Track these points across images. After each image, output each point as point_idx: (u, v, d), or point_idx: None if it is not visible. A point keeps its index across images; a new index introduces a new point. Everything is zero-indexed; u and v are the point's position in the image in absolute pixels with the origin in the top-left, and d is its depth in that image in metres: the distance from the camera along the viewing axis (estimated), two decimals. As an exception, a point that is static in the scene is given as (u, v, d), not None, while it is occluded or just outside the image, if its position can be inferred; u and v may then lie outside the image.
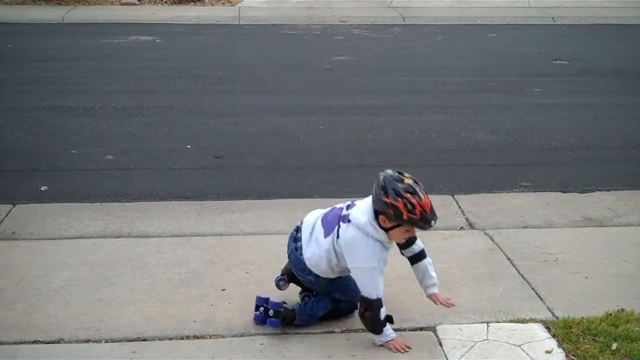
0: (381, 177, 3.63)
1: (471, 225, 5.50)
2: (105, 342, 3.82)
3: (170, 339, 3.85)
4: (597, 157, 7.15)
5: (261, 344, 3.78)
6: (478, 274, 4.59)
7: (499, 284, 4.45)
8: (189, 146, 7.11)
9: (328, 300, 3.92)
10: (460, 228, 5.45)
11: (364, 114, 8.25)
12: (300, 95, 9.06)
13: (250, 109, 8.33)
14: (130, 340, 3.83)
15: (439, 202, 5.89)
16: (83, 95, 8.63)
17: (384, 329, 3.69)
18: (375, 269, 3.59)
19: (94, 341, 3.83)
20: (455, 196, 6.05)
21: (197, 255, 4.82)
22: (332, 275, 3.85)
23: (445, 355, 3.68)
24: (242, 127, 7.71)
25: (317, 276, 3.85)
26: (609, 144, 7.52)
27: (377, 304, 3.63)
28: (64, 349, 3.77)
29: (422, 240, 5.14)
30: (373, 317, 3.65)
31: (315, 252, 3.78)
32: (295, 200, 5.94)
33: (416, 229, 3.69)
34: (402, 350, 3.68)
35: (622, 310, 4.07)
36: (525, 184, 6.40)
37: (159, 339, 3.85)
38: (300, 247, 3.88)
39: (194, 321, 4.00)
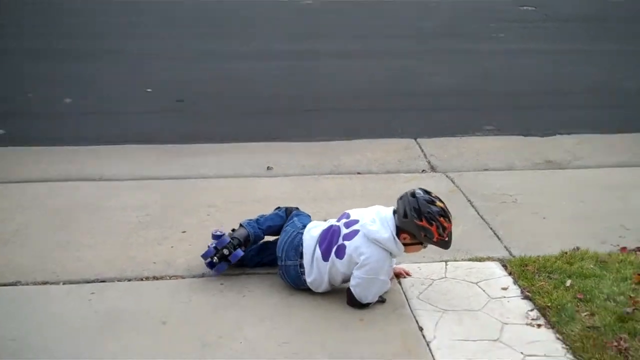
0: (414, 200, 3.48)
1: (433, 168, 5.52)
2: (63, 284, 3.78)
3: (129, 280, 3.82)
4: (558, 102, 7.20)
5: (222, 284, 3.76)
6: (438, 215, 4.60)
7: (458, 224, 4.45)
8: (149, 90, 6.99)
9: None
10: (422, 171, 5.47)
11: (326, 58, 8.18)
12: (263, 40, 8.94)
13: (212, 53, 8.21)
14: (88, 282, 3.79)
15: (402, 146, 5.94)
16: (40, 38, 8.42)
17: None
18: (383, 281, 3.55)
19: (51, 283, 3.78)
20: (418, 140, 6.06)
21: (157, 199, 4.77)
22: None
23: (404, 293, 3.71)
24: (203, 71, 7.60)
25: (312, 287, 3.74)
26: (571, 88, 7.56)
27: (366, 306, 3.58)
28: (22, 291, 3.71)
29: (384, 183, 5.20)
30: (359, 308, 3.61)
31: (318, 278, 3.65)
32: (256, 144, 5.90)
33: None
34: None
35: (578, 248, 4.14)
36: (488, 128, 6.43)
37: (118, 280, 3.81)
38: (304, 267, 3.66)
39: (154, 263, 3.97)
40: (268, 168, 5.40)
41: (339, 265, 3.58)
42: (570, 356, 3.17)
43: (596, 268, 3.87)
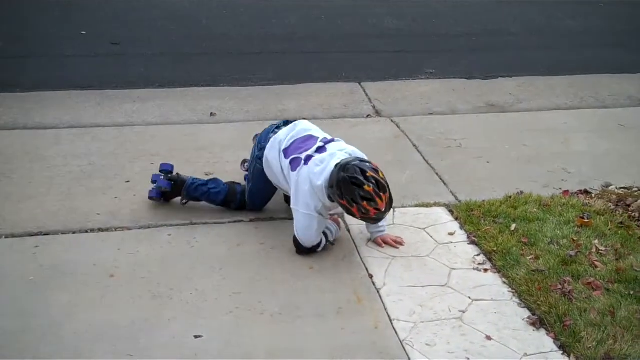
0: (342, 177, 3.30)
1: (378, 113, 5.51)
2: (6, 237, 3.66)
3: (73, 233, 3.73)
4: (500, 43, 7.25)
5: (169, 235, 3.72)
6: (385, 160, 4.59)
7: (405, 170, 4.51)
8: (84, 32, 6.73)
9: (225, 187, 3.92)
10: (368, 116, 5.46)
11: (269, -1, 8.01)
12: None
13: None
14: (31, 235, 3.69)
15: (347, 90, 5.90)
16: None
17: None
18: (313, 217, 3.48)
19: (-7, 237, 3.68)
20: (362, 84, 6.03)
21: (98, 147, 4.65)
22: (272, 177, 3.75)
23: (353, 240, 3.74)
24: (139, 11, 7.34)
25: (263, 161, 3.76)
26: (512, 29, 7.61)
27: (310, 250, 3.56)
28: (-40, 246, 3.60)
29: (329, 128, 5.16)
30: (307, 253, 3.60)
31: (275, 154, 3.66)
32: (200, 88, 5.78)
33: None
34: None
35: (521, 192, 4.22)
36: (431, 71, 6.43)
37: (62, 233, 3.72)
38: (275, 134, 3.75)
39: (98, 214, 3.89)
40: (212, 114, 5.30)
41: (284, 170, 3.60)
42: (517, 300, 3.26)
43: (539, 212, 3.96)
